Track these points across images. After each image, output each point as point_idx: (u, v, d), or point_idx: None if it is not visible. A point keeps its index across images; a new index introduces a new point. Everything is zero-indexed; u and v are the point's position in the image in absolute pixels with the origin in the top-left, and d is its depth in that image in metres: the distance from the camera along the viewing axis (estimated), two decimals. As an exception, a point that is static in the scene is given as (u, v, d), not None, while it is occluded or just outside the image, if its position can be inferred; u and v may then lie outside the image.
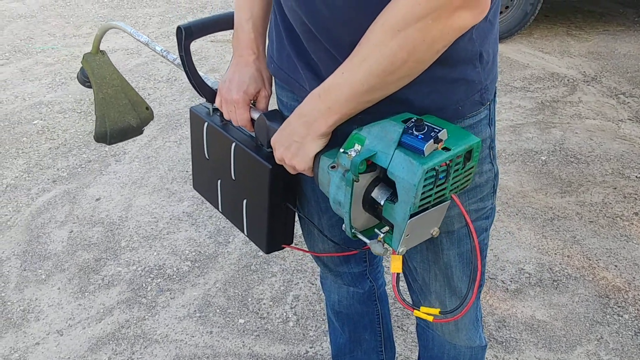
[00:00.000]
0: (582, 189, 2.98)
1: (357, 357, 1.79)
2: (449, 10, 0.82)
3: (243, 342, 2.19)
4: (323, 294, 2.00)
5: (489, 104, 1.07)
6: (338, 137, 1.01)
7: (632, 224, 2.73)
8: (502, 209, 2.84)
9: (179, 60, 1.30)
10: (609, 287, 2.38)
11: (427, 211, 0.94)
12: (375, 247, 0.99)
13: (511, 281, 2.42)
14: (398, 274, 1.03)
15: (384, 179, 0.96)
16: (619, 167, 3.15)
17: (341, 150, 0.95)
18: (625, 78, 4.22)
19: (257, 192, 1.24)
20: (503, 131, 3.53)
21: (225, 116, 1.25)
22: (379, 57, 0.87)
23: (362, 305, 1.65)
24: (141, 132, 1.91)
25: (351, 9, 0.91)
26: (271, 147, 1.10)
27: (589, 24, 5.25)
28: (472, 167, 0.95)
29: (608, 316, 2.26)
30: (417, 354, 2.01)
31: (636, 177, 3.07)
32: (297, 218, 1.35)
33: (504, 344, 2.15)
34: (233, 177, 1.30)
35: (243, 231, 1.35)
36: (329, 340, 2.02)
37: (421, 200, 0.89)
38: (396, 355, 1.94)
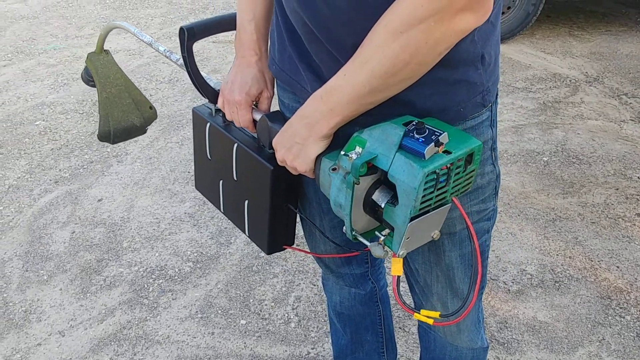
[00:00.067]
0: (584, 190, 2.98)
1: (358, 358, 1.79)
2: (451, 13, 0.82)
3: (245, 343, 2.19)
4: (324, 295, 2.00)
5: (491, 106, 1.07)
6: (340, 139, 1.01)
7: (634, 225, 2.73)
8: (504, 209, 2.84)
9: (182, 61, 1.30)
10: (611, 289, 2.38)
11: (427, 214, 0.94)
12: (376, 250, 0.99)
13: (513, 282, 2.42)
14: (398, 276, 1.03)
15: (384, 182, 0.96)
16: (621, 168, 3.15)
17: (342, 152, 0.95)
18: (627, 79, 4.21)
19: (258, 193, 1.24)
20: (505, 132, 3.53)
21: (228, 117, 1.25)
22: (381, 59, 0.87)
23: (364, 306, 1.65)
24: (145, 132, 1.91)
25: (353, 10, 0.91)
26: (273, 149, 1.10)
27: (591, 25, 5.25)
28: (473, 171, 0.94)
29: (610, 317, 2.25)
30: (418, 355, 2.01)
31: (638, 177, 3.07)
32: (298, 219, 1.35)
33: (506, 345, 2.15)
34: (235, 178, 1.30)
35: (244, 232, 1.35)
36: (330, 341, 2.02)
37: (422, 203, 0.89)
38: (398, 356, 1.94)
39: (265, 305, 2.35)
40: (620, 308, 2.29)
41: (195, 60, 1.28)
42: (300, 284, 2.44)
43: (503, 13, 4.70)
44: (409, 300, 2.27)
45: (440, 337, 1.43)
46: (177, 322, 2.28)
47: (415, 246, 0.98)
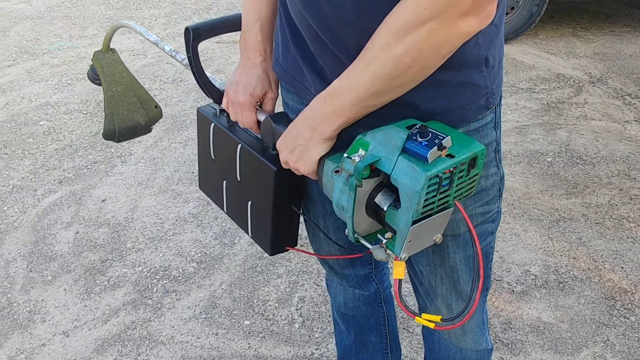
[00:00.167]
0: (588, 191, 2.97)
1: (362, 359, 1.79)
2: (454, 16, 0.82)
3: (249, 343, 2.19)
4: (328, 296, 2.00)
5: (495, 108, 1.07)
6: (343, 141, 1.01)
7: (639, 225, 2.72)
8: (508, 210, 2.83)
9: (187, 61, 1.30)
10: (615, 289, 2.38)
11: (430, 218, 0.93)
12: (378, 253, 0.99)
13: (517, 283, 2.41)
14: (400, 279, 1.03)
15: (387, 185, 0.96)
16: (625, 169, 3.14)
17: (345, 155, 0.95)
18: (631, 79, 4.20)
19: (262, 194, 1.24)
20: (508, 132, 3.52)
21: (232, 118, 1.25)
22: (384, 61, 0.87)
23: (368, 307, 1.65)
24: (150, 131, 1.92)
25: (357, 11, 0.91)
26: (277, 150, 1.10)
27: (595, 25, 5.24)
28: (476, 175, 0.94)
29: (614, 318, 2.25)
30: (422, 356, 2.01)
31: (642, 178, 3.06)
32: (302, 220, 1.35)
33: (510, 345, 2.15)
34: (238, 179, 1.30)
35: (247, 232, 1.35)
36: (334, 341, 2.02)
37: (424, 207, 0.89)
38: (402, 357, 1.93)
39: (269, 305, 2.35)
40: (625, 309, 2.28)
41: (200, 60, 1.28)
42: (304, 284, 2.45)
43: (507, 14, 4.70)
44: (413, 301, 2.27)
45: (445, 339, 1.43)
46: (181, 323, 2.28)
47: (418, 250, 0.98)
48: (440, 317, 1.06)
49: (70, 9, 6.02)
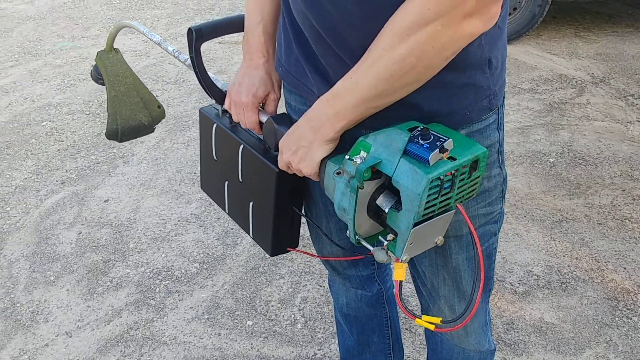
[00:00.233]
0: (591, 191, 2.97)
1: (365, 360, 1.79)
2: (458, 17, 0.82)
3: (251, 344, 2.19)
4: (331, 296, 2.00)
5: (498, 109, 1.07)
6: (346, 142, 1.01)
7: (641, 226, 2.72)
8: (510, 211, 2.83)
9: (190, 62, 1.30)
10: (618, 290, 2.37)
11: (431, 220, 0.93)
12: (379, 255, 0.99)
13: (519, 283, 2.41)
14: (401, 281, 1.03)
15: (389, 187, 0.96)
16: (628, 169, 3.14)
17: (347, 156, 0.95)
18: (633, 80, 4.20)
19: (263, 194, 1.24)
20: (511, 133, 3.52)
21: (234, 118, 1.26)
22: (387, 62, 0.87)
23: (371, 307, 1.65)
24: (152, 131, 1.92)
25: (361, 12, 0.91)
26: (279, 151, 1.10)
27: (598, 26, 5.23)
28: (478, 177, 0.94)
29: (617, 319, 2.25)
30: (425, 356, 2.01)
31: (645, 179, 3.06)
32: (303, 221, 1.35)
33: (513, 346, 2.15)
34: (240, 179, 1.30)
35: (249, 233, 1.35)
36: (337, 342, 2.02)
37: (425, 209, 0.89)
38: (404, 357, 1.93)
39: (272, 306, 2.36)
40: (628, 309, 2.28)
41: (203, 61, 1.28)
42: (306, 284, 2.45)
43: (509, 14, 4.69)
44: (415, 301, 2.27)
45: (448, 340, 1.43)
46: (183, 323, 2.28)
47: (419, 252, 0.98)
48: (440, 318, 1.06)
49: (73, 9, 6.03)
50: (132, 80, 1.82)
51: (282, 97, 1.27)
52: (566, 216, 2.79)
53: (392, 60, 0.87)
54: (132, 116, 1.84)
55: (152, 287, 2.46)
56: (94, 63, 1.81)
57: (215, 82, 1.32)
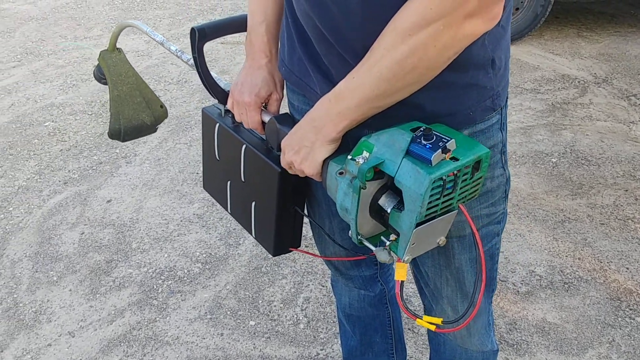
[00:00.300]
0: (593, 191, 2.97)
1: (367, 360, 1.79)
2: (460, 17, 0.82)
3: (254, 344, 2.20)
4: (333, 296, 2.00)
5: (501, 109, 1.07)
6: (349, 142, 1.01)
7: (644, 226, 2.72)
8: (513, 211, 2.83)
9: (192, 61, 1.30)
10: (621, 290, 2.37)
11: (433, 220, 0.93)
12: (381, 255, 0.99)
13: (522, 283, 2.41)
14: (402, 281, 1.02)
15: (391, 187, 0.96)
16: (630, 169, 3.13)
17: (349, 157, 0.95)
18: (636, 80, 4.19)
19: (266, 194, 1.24)
20: (513, 133, 3.52)
21: (237, 118, 1.26)
22: (389, 62, 0.87)
23: (373, 308, 1.65)
24: (155, 130, 1.92)
25: (364, 12, 0.91)
26: (281, 151, 1.10)
27: (600, 26, 5.23)
28: (480, 178, 0.94)
29: (620, 319, 2.25)
30: (427, 356, 2.01)
31: (648, 179, 3.06)
32: (306, 220, 1.35)
33: (515, 346, 2.15)
34: (243, 179, 1.30)
35: (251, 233, 1.35)
36: (339, 342, 2.02)
37: (428, 209, 0.89)
38: (407, 357, 1.93)
39: (274, 306, 2.36)
40: (630, 309, 2.28)
41: (205, 61, 1.28)
42: (309, 285, 2.45)
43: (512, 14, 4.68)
44: (418, 302, 2.27)
45: (450, 340, 1.42)
46: (186, 323, 2.28)
47: (421, 252, 0.98)
48: (441, 319, 1.06)
49: (75, 10, 6.03)
50: (135, 80, 1.83)
51: (285, 97, 1.27)
52: (569, 216, 2.79)
53: (394, 60, 0.87)
54: (135, 116, 1.84)
55: (155, 287, 2.46)
56: (96, 63, 1.82)
57: (217, 82, 1.32)
